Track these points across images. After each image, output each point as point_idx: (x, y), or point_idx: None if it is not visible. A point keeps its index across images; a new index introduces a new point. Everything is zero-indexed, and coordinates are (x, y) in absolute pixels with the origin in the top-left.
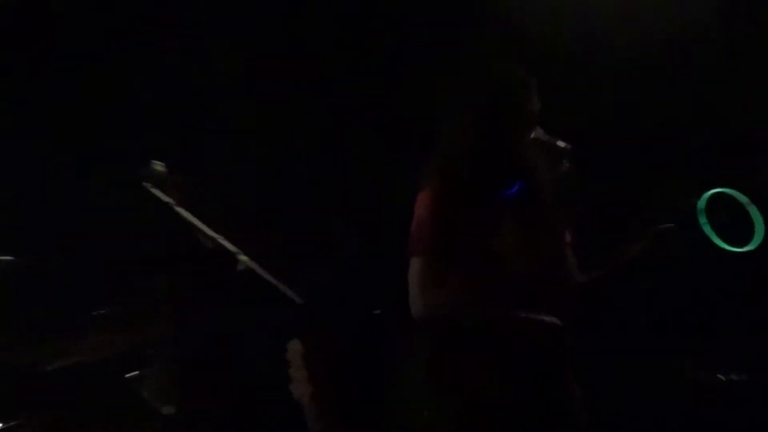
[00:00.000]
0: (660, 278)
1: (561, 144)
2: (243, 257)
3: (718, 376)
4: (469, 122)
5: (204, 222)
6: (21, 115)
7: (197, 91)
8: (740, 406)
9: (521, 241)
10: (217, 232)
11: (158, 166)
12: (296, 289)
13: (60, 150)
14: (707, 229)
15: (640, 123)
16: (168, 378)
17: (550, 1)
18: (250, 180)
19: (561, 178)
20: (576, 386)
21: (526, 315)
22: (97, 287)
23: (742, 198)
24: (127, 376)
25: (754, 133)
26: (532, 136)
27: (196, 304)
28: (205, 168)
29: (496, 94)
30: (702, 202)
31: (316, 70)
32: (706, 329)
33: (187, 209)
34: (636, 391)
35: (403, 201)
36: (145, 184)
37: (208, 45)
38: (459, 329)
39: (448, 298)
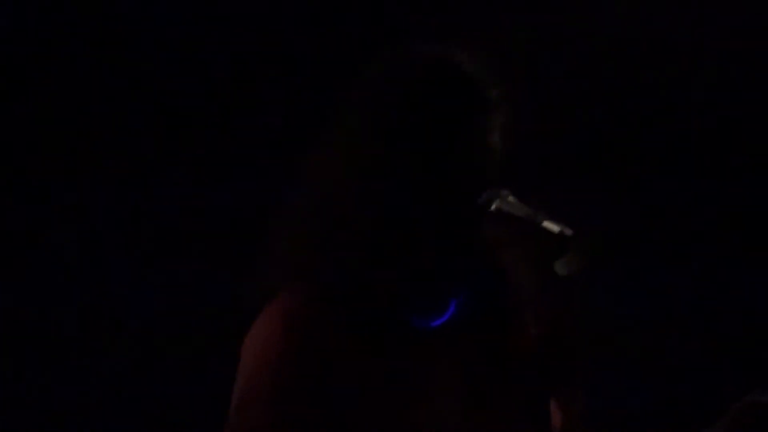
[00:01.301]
0: None
1: (554, 227)
2: None
3: None
4: (355, 167)
5: None
6: None
7: None
8: None
9: (467, 420)
10: None
11: None
12: None
13: None
14: None
15: None
16: None
17: None
18: None
19: (554, 293)
20: None
21: None
22: None
23: None
24: None
25: None
26: (495, 205)
27: None
28: None
29: (412, 106)
30: None
31: None
32: None
33: None
34: None
35: None
36: None
37: None
38: None
39: None
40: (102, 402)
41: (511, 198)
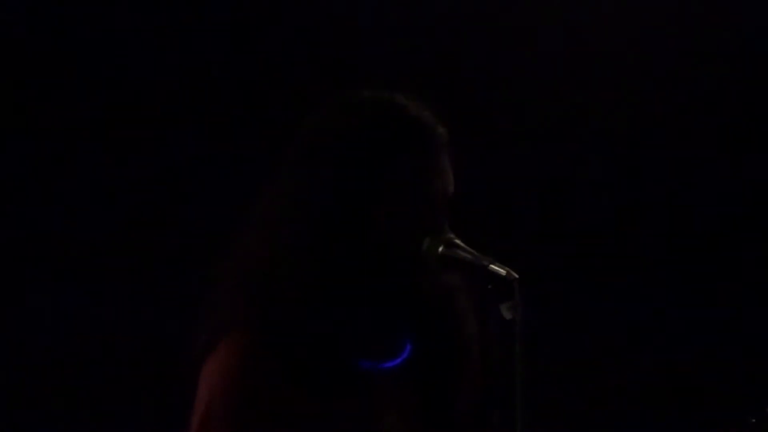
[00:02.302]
0: None
1: (500, 270)
2: None
3: None
4: (296, 213)
5: None
6: None
7: None
8: None
9: None
10: None
11: None
12: None
13: None
14: None
15: None
16: None
17: None
18: None
19: (496, 338)
20: None
21: None
22: None
23: None
24: None
25: None
26: (441, 249)
27: None
28: None
29: (362, 150)
30: None
31: None
32: None
33: None
34: None
35: None
36: None
37: None
38: None
39: None
40: None
41: (457, 241)
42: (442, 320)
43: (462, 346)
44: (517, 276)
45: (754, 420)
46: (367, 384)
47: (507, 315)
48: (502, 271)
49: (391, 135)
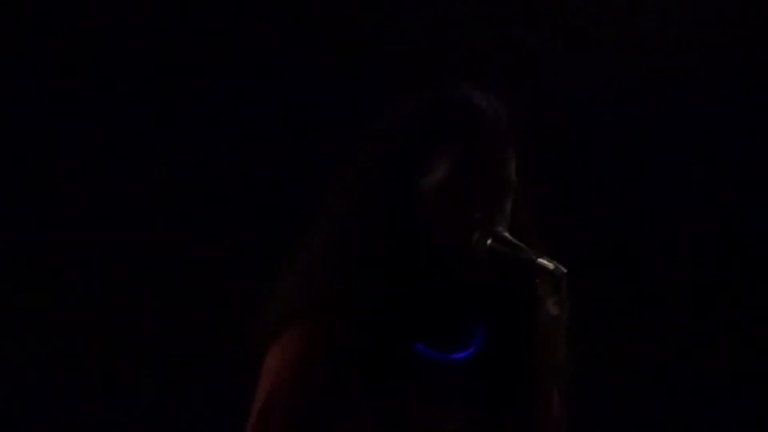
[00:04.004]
0: None
1: (548, 264)
2: None
3: None
4: (373, 200)
5: None
6: None
7: None
8: None
9: None
10: None
11: None
12: None
13: None
14: None
15: None
16: None
17: None
18: None
19: (542, 330)
20: None
21: None
22: None
23: None
24: None
25: None
26: (489, 243)
27: None
28: None
29: (416, 141)
30: None
31: None
32: None
33: None
34: None
35: None
36: None
37: None
38: None
39: None
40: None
41: (506, 234)
42: (506, 312)
43: (531, 338)
44: (565, 271)
45: None
46: (433, 378)
47: (553, 310)
48: (550, 266)
49: (444, 125)
